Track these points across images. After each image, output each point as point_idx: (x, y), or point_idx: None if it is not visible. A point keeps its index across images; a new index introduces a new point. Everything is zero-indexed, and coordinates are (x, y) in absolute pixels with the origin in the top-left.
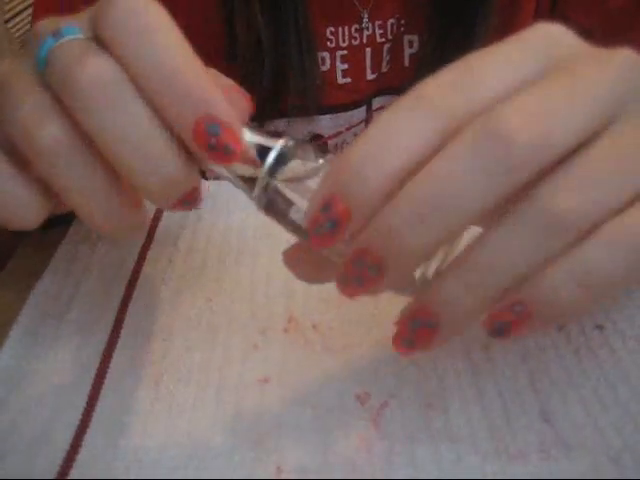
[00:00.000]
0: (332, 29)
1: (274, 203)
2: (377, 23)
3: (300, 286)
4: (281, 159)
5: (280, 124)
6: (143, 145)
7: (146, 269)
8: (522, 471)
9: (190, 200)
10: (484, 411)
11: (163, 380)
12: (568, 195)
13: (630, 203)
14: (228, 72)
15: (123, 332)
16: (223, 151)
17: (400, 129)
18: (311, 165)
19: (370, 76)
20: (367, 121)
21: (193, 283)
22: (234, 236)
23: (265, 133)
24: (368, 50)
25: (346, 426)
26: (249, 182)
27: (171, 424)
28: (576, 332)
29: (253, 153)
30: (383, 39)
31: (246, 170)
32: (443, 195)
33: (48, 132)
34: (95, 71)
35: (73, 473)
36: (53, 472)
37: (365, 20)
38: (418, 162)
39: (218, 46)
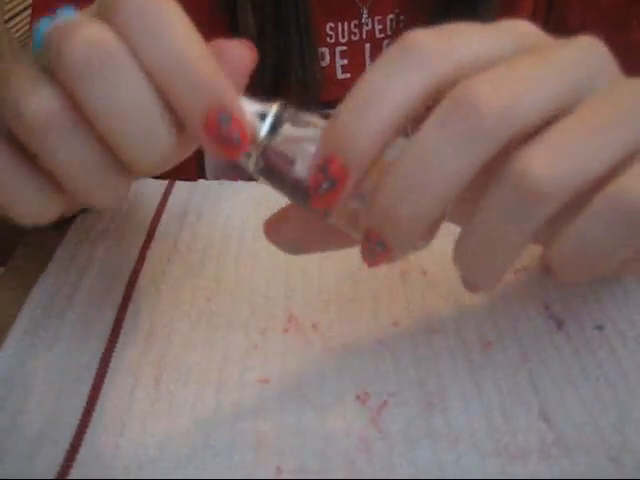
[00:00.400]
0: (332, 25)
1: (271, 167)
2: (376, 19)
3: (300, 286)
4: (277, 122)
5: None
6: (138, 120)
7: (146, 269)
8: (522, 471)
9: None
10: (484, 411)
11: (163, 380)
12: (543, 162)
13: (613, 171)
14: None
15: (123, 332)
16: (233, 142)
17: (388, 82)
18: (305, 127)
19: None
20: None
21: (193, 283)
22: (234, 236)
23: (259, 100)
24: (367, 46)
25: (346, 426)
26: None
27: (171, 424)
28: (576, 332)
29: (252, 121)
30: (382, 34)
31: None
32: (422, 169)
33: (37, 102)
34: (90, 38)
35: (73, 473)
36: (53, 472)
37: (365, 16)
38: (409, 114)
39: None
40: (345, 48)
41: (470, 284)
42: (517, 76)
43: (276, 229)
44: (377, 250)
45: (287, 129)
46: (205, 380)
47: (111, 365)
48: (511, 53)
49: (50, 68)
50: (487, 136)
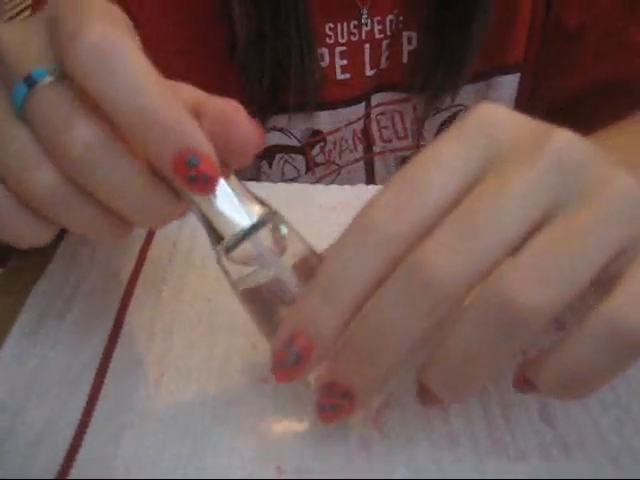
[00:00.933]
0: (331, 25)
1: (227, 272)
2: (376, 19)
3: None
4: (257, 226)
5: (279, 120)
6: (132, 196)
7: (146, 269)
8: (522, 471)
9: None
10: (484, 411)
11: (163, 380)
12: (527, 290)
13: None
14: (230, 68)
15: (123, 332)
16: (203, 181)
17: (347, 265)
18: (275, 238)
19: (369, 72)
20: (366, 117)
21: (193, 283)
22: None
23: (250, 193)
24: (367, 46)
25: (345, 426)
26: (214, 233)
27: (171, 424)
28: None
29: (235, 214)
30: (382, 35)
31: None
32: (379, 339)
33: (40, 181)
34: (81, 137)
35: (73, 473)
36: (53, 472)
37: (364, 17)
38: (370, 292)
39: (220, 41)
40: (344, 48)
41: (429, 399)
42: (471, 230)
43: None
44: (341, 402)
45: (254, 244)
46: (205, 380)
47: (111, 365)
48: (479, 168)
49: (44, 147)
50: (441, 301)
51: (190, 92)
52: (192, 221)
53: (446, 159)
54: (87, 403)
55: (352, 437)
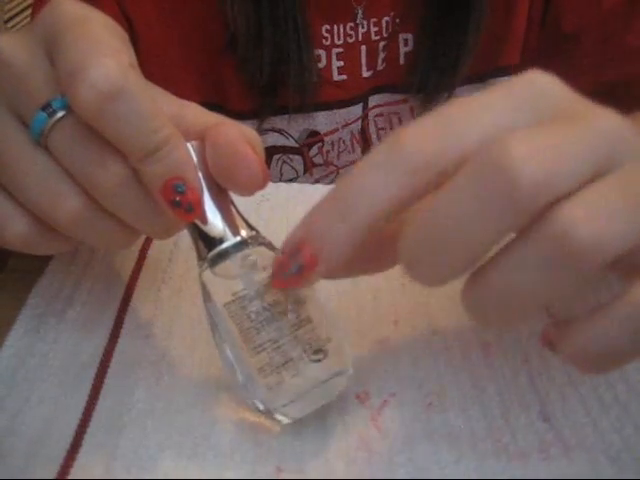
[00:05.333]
0: (327, 27)
1: (206, 286)
2: (372, 21)
3: None
4: (228, 252)
5: (277, 121)
6: (152, 215)
7: (146, 269)
8: (522, 471)
9: None
10: (484, 411)
11: (163, 380)
12: (584, 223)
13: None
14: (227, 63)
15: (123, 332)
16: (185, 209)
17: (370, 183)
18: (258, 260)
19: (366, 73)
20: (363, 119)
21: (193, 282)
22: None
23: (239, 215)
24: (363, 48)
25: (346, 426)
26: (198, 249)
27: (171, 424)
28: None
29: (219, 233)
30: (378, 37)
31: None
32: (447, 234)
33: (66, 209)
34: (116, 172)
35: (73, 473)
36: (53, 472)
37: (359, 17)
38: (389, 215)
39: (217, 35)
40: (341, 50)
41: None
42: (551, 140)
43: None
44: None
45: (240, 260)
46: (205, 380)
47: (111, 365)
48: (526, 123)
49: (74, 177)
50: (524, 204)
51: (197, 114)
52: None
53: (487, 101)
54: (87, 403)
55: (352, 437)
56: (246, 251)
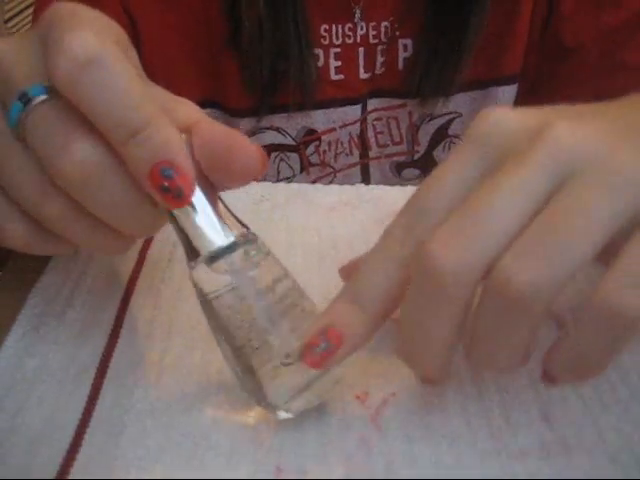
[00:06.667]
0: (326, 26)
1: (199, 288)
2: (371, 25)
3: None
4: (221, 252)
5: (275, 119)
6: (125, 212)
7: (146, 269)
8: (522, 471)
9: None
10: (484, 410)
11: (163, 380)
12: (524, 273)
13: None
14: (229, 65)
15: (123, 332)
16: (174, 194)
17: (374, 276)
18: (251, 260)
19: (363, 75)
20: (362, 122)
21: None
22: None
23: (231, 214)
24: (361, 50)
25: (346, 426)
26: (190, 248)
27: (171, 424)
28: None
29: (212, 233)
30: (376, 40)
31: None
32: (417, 334)
33: (50, 207)
34: (77, 160)
35: (73, 473)
36: (53, 472)
37: (357, 17)
38: (398, 299)
39: (221, 39)
40: (339, 50)
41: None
42: (470, 223)
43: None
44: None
45: (231, 260)
46: (205, 380)
47: (111, 365)
48: (484, 170)
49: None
50: (452, 293)
51: (188, 110)
52: None
53: (447, 182)
54: (87, 403)
55: (352, 437)
56: (239, 249)
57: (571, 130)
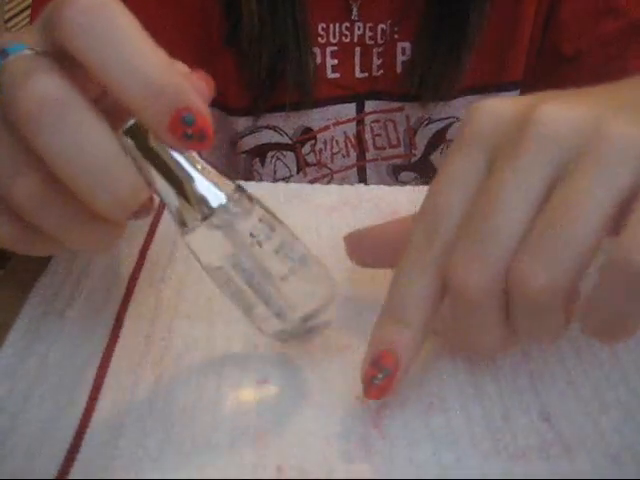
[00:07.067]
0: (323, 25)
1: (198, 246)
2: (368, 25)
3: None
4: (224, 205)
5: (271, 118)
6: (92, 165)
7: (146, 269)
8: (522, 471)
9: (143, 211)
10: (484, 411)
11: (163, 380)
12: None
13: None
14: (226, 64)
15: (123, 332)
16: (198, 139)
17: (410, 287)
18: (243, 210)
19: (359, 74)
20: (359, 123)
21: (193, 283)
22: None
23: (218, 171)
24: (358, 49)
25: (346, 426)
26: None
27: (171, 424)
28: (576, 332)
29: (204, 191)
30: (372, 41)
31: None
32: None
33: (20, 187)
34: (37, 91)
35: (73, 473)
36: (53, 472)
37: (354, 14)
38: (436, 307)
39: (218, 38)
40: (336, 48)
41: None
42: (479, 240)
43: (355, 244)
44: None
45: (228, 216)
46: (205, 380)
47: (111, 365)
48: (487, 164)
49: (6, 116)
50: (485, 305)
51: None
52: None
53: (457, 180)
54: (87, 403)
55: (352, 437)
56: (233, 204)
57: (556, 112)
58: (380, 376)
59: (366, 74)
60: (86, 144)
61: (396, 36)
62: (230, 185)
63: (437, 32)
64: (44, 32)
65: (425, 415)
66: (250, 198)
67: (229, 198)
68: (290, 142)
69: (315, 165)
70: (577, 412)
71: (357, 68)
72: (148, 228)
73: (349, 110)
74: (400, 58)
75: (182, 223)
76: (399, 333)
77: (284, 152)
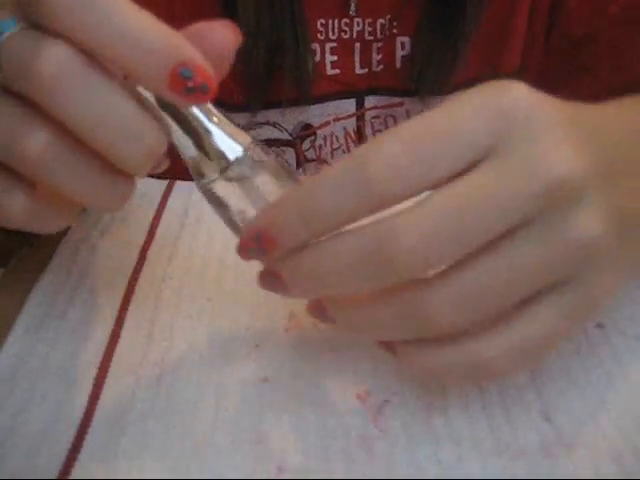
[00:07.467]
0: (322, 21)
1: (216, 196)
2: (367, 20)
3: None
4: (241, 158)
5: (271, 114)
6: (119, 119)
7: (146, 269)
8: (523, 470)
9: (161, 164)
10: (485, 410)
11: (163, 380)
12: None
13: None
14: None
15: (123, 332)
16: (200, 91)
17: (334, 203)
18: (259, 163)
19: (359, 70)
20: (360, 119)
21: (193, 282)
22: (234, 235)
23: (236, 123)
24: (357, 45)
25: (346, 426)
26: (198, 166)
27: (171, 424)
28: (577, 331)
29: (221, 143)
30: (372, 37)
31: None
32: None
33: (32, 143)
34: (54, 57)
35: (74, 473)
36: (55, 471)
37: (352, 9)
38: (343, 225)
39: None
40: (335, 45)
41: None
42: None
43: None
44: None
45: (245, 166)
46: (206, 380)
47: (112, 365)
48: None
49: (13, 89)
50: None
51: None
52: (192, 221)
53: (461, 135)
54: (88, 403)
55: (352, 437)
56: (248, 156)
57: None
58: (254, 249)
59: (366, 70)
60: (112, 100)
61: (395, 31)
62: (247, 138)
63: (436, 25)
64: (19, 7)
65: (425, 415)
66: (267, 151)
67: (246, 151)
68: (290, 138)
69: (315, 161)
70: (578, 411)
71: (357, 64)
72: (148, 228)
73: (349, 106)
74: (400, 53)
75: (199, 175)
76: (292, 227)
77: (283, 148)
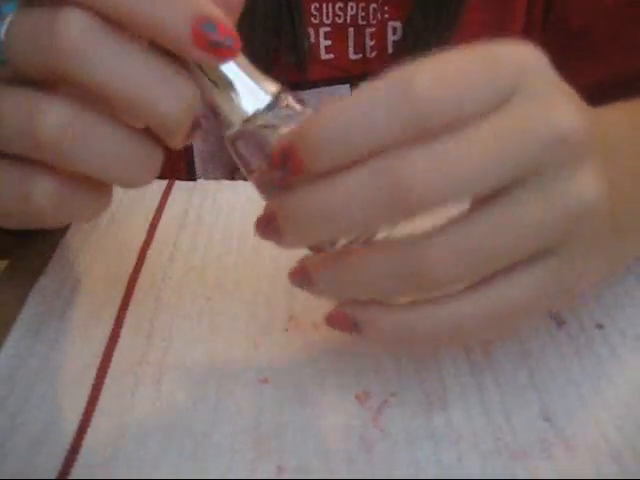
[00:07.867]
0: (316, 5)
1: (245, 144)
2: (360, 5)
3: None
4: (271, 104)
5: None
6: (154, 78)
7: (146, 269)
8: (523, 470)
9: (198, 125)
10: (485, 410)
11: (163, 380)
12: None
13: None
14: None
15: (123, 332)
16: (227, 45)
17: (374, 121)
18: (288, 112)
19: (353, 56)
20: None
21: (193, 282)
22: (234, 236)
23: (262, 71)
24: (351, 30)
25: (346, 426)
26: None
27: (171, 424)
28: (576, 330)
29: (249, 92)
30: (365, 22)
31: (225, 100)
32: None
33: (47, 127)
34: (75, 25)
35: (74, 473)
36: (54, 472)
37: None
38: (382, 146)
39: None
40: (329, 29)
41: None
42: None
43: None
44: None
45: (275, 115)
46: (205, 380)
47: (112, 365)
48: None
49: (27, 69)
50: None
51: None
52: (192, 221)
53: (477, 74)
54: (88, 403)
55: (352, 437)
56: (277, 104)
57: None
58: (279, 173)
59: (360, 55)
60: (144, 57)
61: (386, 15)
62: (276, 87)
63: (427, 11)
64: None
65: (425, 414)
66: (299, 101)
67: (275, 100)
68: None
69: None
70: (578, 411)
71: (351, 49)
72: (148, 228)
73: (344, 91)
74: (391, 38)
75: (228, 125)
76: (327, 143)
77: None
